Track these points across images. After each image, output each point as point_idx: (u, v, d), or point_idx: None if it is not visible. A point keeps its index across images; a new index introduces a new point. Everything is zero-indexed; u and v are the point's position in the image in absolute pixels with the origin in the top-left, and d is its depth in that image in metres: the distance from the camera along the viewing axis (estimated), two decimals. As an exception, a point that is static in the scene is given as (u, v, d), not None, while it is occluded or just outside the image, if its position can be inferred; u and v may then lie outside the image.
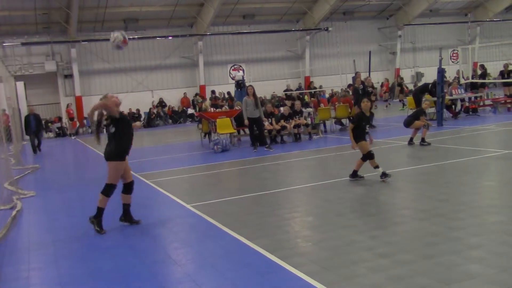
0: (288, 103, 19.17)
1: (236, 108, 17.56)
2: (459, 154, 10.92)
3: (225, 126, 16.21)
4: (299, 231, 6.56)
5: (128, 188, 7.24)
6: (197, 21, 31.20)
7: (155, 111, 30.76)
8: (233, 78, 30.63)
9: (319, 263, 5.20)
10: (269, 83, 31.93)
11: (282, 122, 16.02)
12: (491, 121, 16.86)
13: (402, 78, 33.69)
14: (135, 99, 29.82)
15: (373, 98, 22.77)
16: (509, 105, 19.76)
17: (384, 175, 8.67)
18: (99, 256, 6.13)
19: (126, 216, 7.29)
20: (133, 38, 30.22)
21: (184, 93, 31.85)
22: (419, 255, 5.14)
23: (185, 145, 18.27)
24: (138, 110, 30.15)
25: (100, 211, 7.02)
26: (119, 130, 6.97)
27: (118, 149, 6.97)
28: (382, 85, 34.73)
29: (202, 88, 32.01)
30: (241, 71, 32.21)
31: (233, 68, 33.15)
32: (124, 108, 25.89)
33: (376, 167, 8.78)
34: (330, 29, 33.69)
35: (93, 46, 29.96)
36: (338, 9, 33.70)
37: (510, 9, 38.26)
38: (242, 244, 6.03)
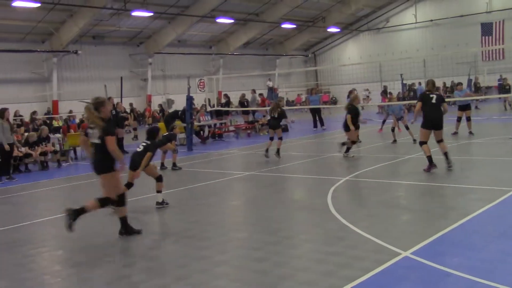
0: (21, 130, 17.74)
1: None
2: (208, 177, 11.61)
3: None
4: (46, 266, 6.08)
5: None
6: None
7: None
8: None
9: (69, 299, 4.90)
10: (13, 107, 29.11)
11: (27, 149, 14.76)
12: (234, 146, 18.41)
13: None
14: None
15: (127, 123, 22.74)
16: (249, 131, 21.90)
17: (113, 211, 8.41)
18: None
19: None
20: None
21: None
22: (172, 277, 5.25)
23: None
24: None
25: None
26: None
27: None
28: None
29: None
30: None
31: (-34, 89, 29.31)
32: None
33: (159, 191, 8.69)
34: (79, 52, 32.56)
35: None
36: (88, 32, 32.85)
37: (247, 44, 42.69)
38: (-23, 289, 5.31)
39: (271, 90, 36.24)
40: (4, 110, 13.32)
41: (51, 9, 28.92)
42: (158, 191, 8.68)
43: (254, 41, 43.35)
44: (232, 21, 36.29)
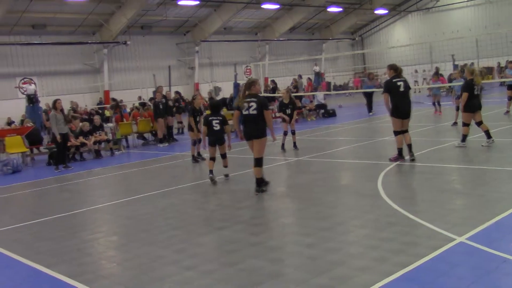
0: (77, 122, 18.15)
1: (27, 125, 16.15)
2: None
3: (15, 145, 14.80)
4: (102, 252, 6.28)
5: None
6: (-23, 29, 28.08)
7: None
8: (23, 92, 28.19)
9: (124, 283, 5.05)
10: (66, 98, 30.11)
11: (81, 139, 15.25)
12: (280, 131, 18.26)
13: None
14: None
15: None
16: (296, 117, 21.68)
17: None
18: None
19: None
20: None
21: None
22: (222, 263, 5.32)
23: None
24: None
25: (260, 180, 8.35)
26: None
27: None
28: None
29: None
30: (33, 85, 29.79)
31: (23, 81, 30.50)
32: None
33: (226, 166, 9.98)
34: (128, 42, 33.23)
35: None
36: (136, 23, 33.46)
37: (293, 29, 42.36)
38: (39, 273, 5.55)
39: (318, 75, 35.88)
40: (56, 101, 13.66)
41: (101, 1, 29.61)
42: (225, 166, 9.91)
43: (300, 26, 42.93)
44: (277, 6, 36.04)
